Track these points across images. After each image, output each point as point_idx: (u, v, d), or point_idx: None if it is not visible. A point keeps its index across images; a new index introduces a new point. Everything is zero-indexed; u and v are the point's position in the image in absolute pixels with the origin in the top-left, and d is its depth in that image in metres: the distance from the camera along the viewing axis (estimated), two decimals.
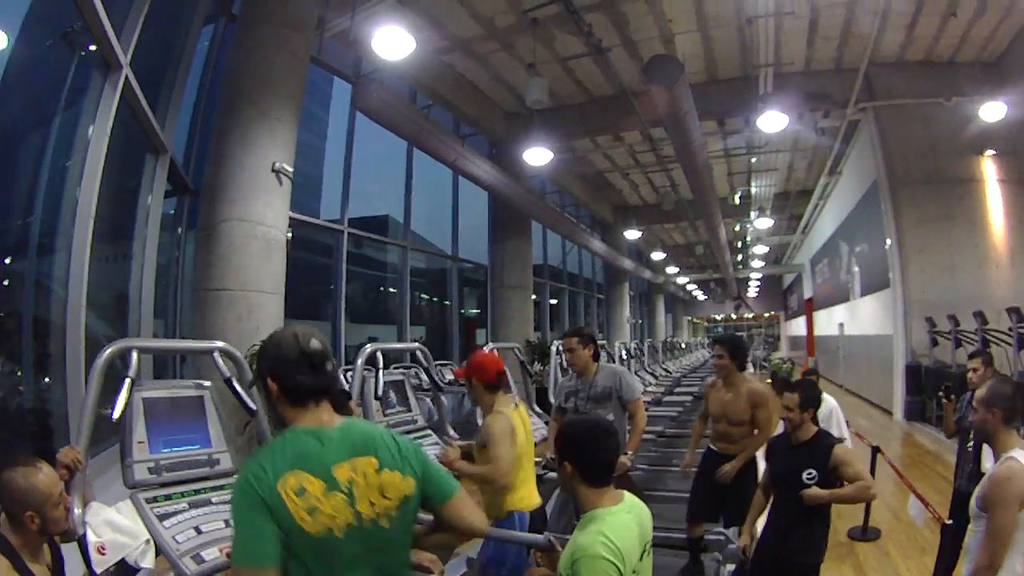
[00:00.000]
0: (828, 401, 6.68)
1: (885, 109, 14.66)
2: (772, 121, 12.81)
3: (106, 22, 5.44)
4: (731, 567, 5.33)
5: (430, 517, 2.32)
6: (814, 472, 4.03)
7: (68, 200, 5.63)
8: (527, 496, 4.11)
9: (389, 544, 2.09)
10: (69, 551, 2.66)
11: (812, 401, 4.24)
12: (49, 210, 5.80)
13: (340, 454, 2.03)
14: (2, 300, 5.95)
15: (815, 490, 3.98)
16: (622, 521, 2.44)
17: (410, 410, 5.45)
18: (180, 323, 8.61)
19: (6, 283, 6.09)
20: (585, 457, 2.51)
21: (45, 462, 2.45)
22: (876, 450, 7.14)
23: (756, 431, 5.40)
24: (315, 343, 2.12)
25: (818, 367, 28.15)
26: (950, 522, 4.65)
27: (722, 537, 5.60)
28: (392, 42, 8.75)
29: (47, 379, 5.70)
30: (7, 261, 6.00)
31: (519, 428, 4.10)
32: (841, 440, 5.08)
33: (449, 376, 11.24)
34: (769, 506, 4.48)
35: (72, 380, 5.22)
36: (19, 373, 5.74)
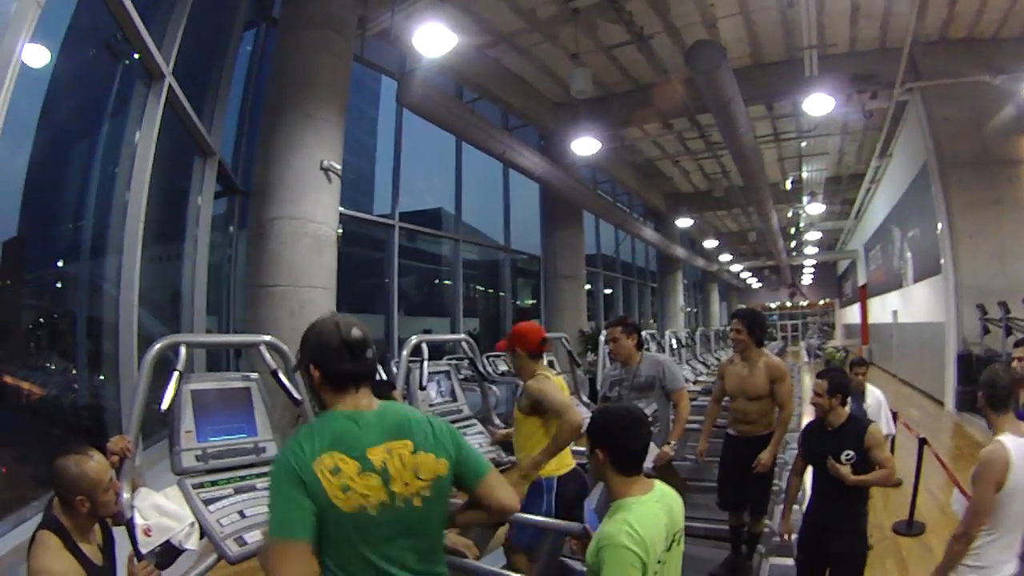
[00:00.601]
0: (874, 393, 6.77)
1: (931, 89, 14.22)
2: (819, 104, 12.66)
3: (145, 34, 5.61)
4: (777, 560, 5.31)
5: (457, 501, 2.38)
6: (852, 453, 4.13)
7: (118, 204, 5.81)
8: (561, 459, 4.16)
9: (422, 523, 2.16)
10: (118, 532, 2.79)
11: (840, 388, 4.32)
12: (100, 214, 5.98)
13: (376, 436, 2.11)
14: (56, 302, 6.18)
15: (843, 469, 4.09)
16: (650, 511, 2.45)
17: (455, 400, 5.49)
18: (233, 319, 8.83)
19: (59, 285, 6.29)
20: (616, 445, 2.52)
21: (96, 450, 2.58)
22: (923, 442, 6.85)
23: (777, 408, 5.30)
24: (356, 331, 2.19)
25: (872, 356, 27.77)
26: None
27: (766, 529, 5.57)
28: (433, 38, 8.80)
29: (101, 376, 5.89)
30: (60, 264, 6.21)
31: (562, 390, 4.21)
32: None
33: (503, 367, 11.29)
34: (811, 488, 4.54)
35: (125, 376, 5.39)
36: (74, 371, 5.95)
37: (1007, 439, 3.18)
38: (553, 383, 4.14)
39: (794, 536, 4.55)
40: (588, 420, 2.69)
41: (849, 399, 4.43)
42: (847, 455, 4.14)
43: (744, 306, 6.38)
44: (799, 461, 4.69)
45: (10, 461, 4.66)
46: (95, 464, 2.52)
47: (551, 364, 6.78)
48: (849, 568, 4.18)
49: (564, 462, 4.21)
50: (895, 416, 7.47)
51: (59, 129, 5.91)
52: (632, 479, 2.53)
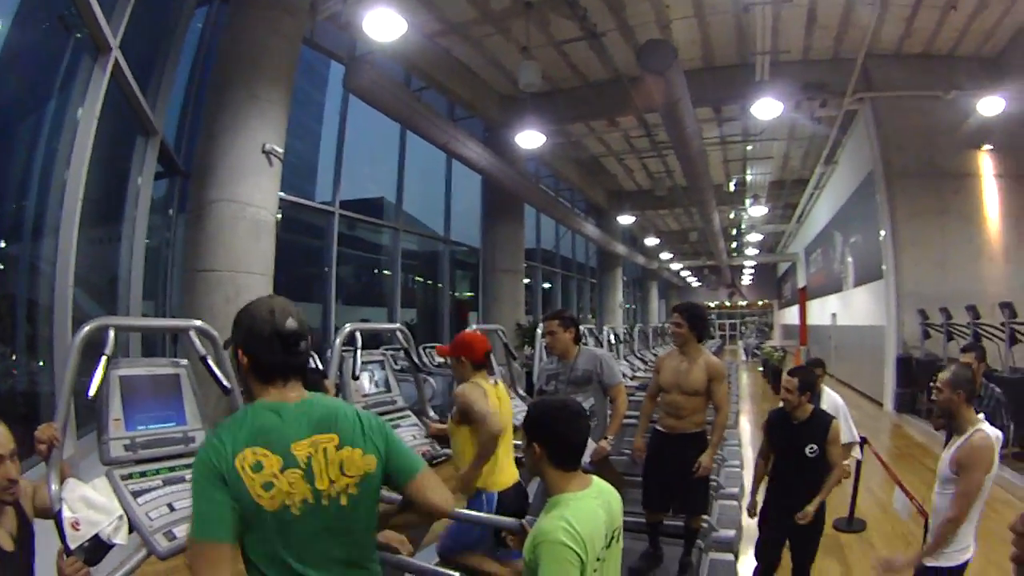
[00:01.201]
0: (831, 397, 6.52)
1: (882, 100, 14.61)
2: (767, 109, 12.96)
3: (95, 4, 5.45)
4: (717, 555, 5.37)
5: (398, 497, 2.33)
6: (815, 447, 4.53)
7: (58, 183, 5.66)
8: (498, 475, 4.14)
9: (350, 522, 2.07)
10: (45, 526, 2.73)
11: (809, 386, 4.69)
12: (43, 194, 5.83)
13: (300, 430, 2.02)
14: None
15: (807, 510, 4.45)
16: (588, 507, 2.38)
17: (390, 391, 5.45)
18: (170, 304, 8.66)
19: (0, 267, 6.12)
20: (554, 439, 2.45)
21: (3, 425, 2.49)
22: (863, 441, 6.98)
23: (716, 410, 5.28)
24: (291, 322, 2.09)
25: (809, 356, 28.26)
26: None
27: (704, 525, 5.61)
28: (383, 24, 8.77)
29: (41, 363, 5.75)
30: (2, 245, 6.03)
31: (494, 401, 4.16)
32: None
33: (440, 359, 11.25)
34: (771, 472, 4.88)
35: (60, 361, 5.23)
36: (13, 356, 5.79)
37: (987, 428, 3.45)
38: (481, 391, 4.10)
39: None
40: (523, 415, 2.66)
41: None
42: (811, 448, 4.53)
43: (684, 302, 6.20)
44: (764, 444, 5.02)
45: None
46: None
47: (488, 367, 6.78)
48: (809, 542, 4.60)
49: (506, 475, 4.20)
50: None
51: (6, 105, 5.76)
52: (570, 474, 2.46)
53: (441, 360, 11.08)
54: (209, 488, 1.90)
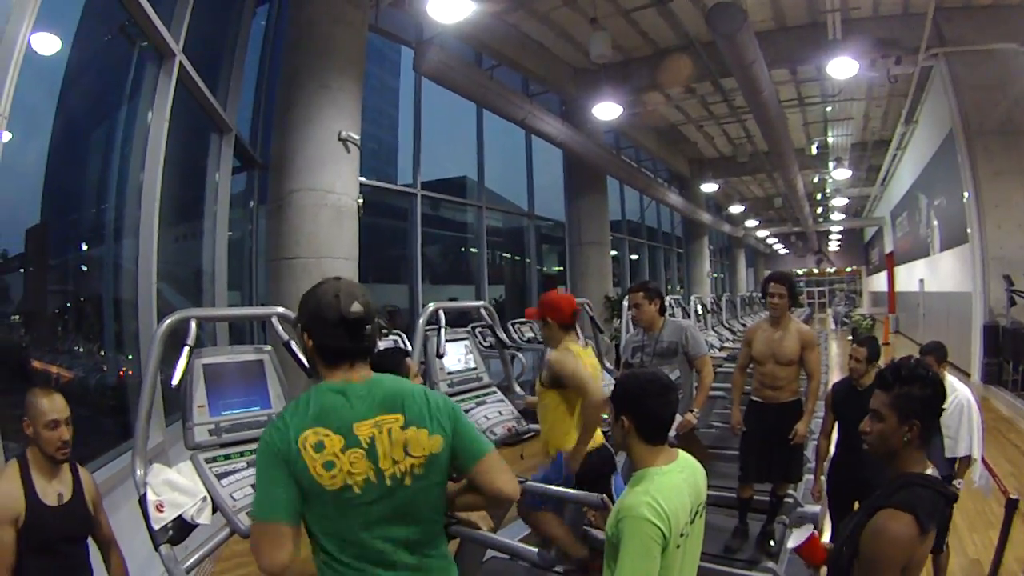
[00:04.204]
0: (959, 393, 5.03)
1: (957, 56, 14.01)
2: (842, 67, 12.69)
3: (152, 15, 5.62)
4: (800, 531, 5.26)
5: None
6: None
7: (135, 186, 5.85)
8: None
9: (414, 504, 2.08)
10: (132, 509, 2.85)
11: (875, 355, 4.74)
12: (121, 197, 6.03)
13: (365, 411, 2.04)
14: (81, 285, 6.23)
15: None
16: (672, 482, 2.35)
17: (475, 368, 5.44)
18: (256, 293, 8.87)
19: (84, 268, 6.34)
20: (643, 412, 2.42)
21: (59, 394, 2.93)
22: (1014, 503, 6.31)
23: (809, 377, 5.27)
24: (355, 307, 2.08)
25: (898, 325, 27.56)
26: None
27: (789, 500, 5.56)
28: (448, 5, 8.79)
29: (130, 356, 5.95)
30: (84, 247, 6.26)
31: (587, 364, 4.13)
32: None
33: (529, 334, 11.25)
34: (836, 445, 4.89)
35: (146, 355, 5.40)
36: (101, 353, 6.00)
37: None
38: (575, 358, 4.03)
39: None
40: (612, 387, 2.60)
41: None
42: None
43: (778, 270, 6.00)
44: (828, 423, 4.99)
45: None
46: (47, 401, 2.86)
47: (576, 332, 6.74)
48: None
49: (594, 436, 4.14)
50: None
51: (77, 115, 5.96)
52: (657, 448, 2.43)
53: (531, 335, 11.08)
54: (271, 470, 1.95)
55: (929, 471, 2.25)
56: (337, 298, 2.08)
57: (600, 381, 4.39)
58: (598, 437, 4.19)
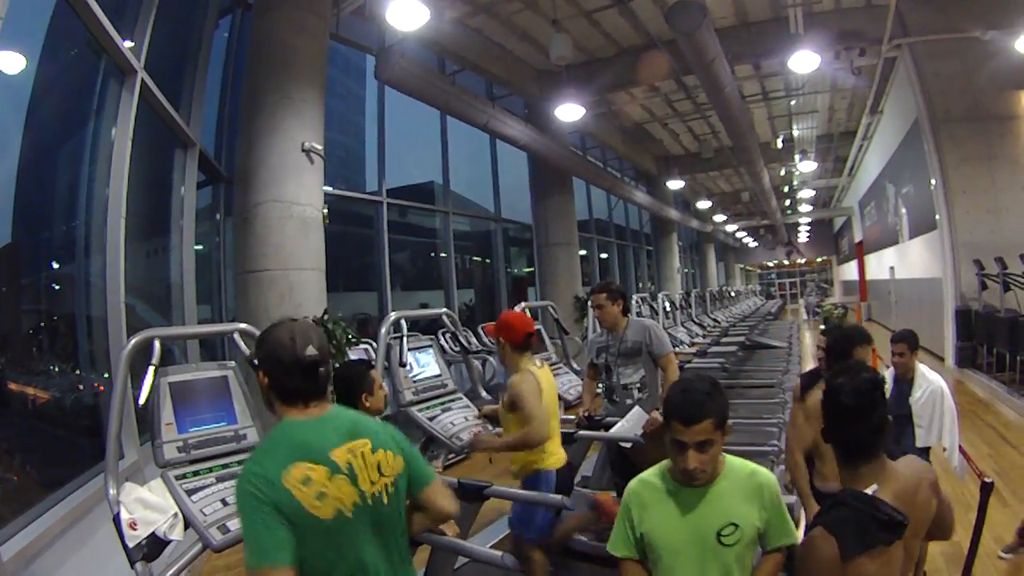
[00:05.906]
0: (932, 383, 4.85)
1: (920, 45, 14.21)
2: (805, 61, 12.69)
3: (112, 32, 5.65)
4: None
5: None
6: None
7: (100, 202, 5.87)
8: (549, 457, 4.16)
9: (390, 519, 2.21)
10: (107, 529, 2.93)
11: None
12: (90, 214, 6.02)
13: (335, 439, 2.12)
14: (54, 304, 6.24)
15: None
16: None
17: (439, 374, 5.45)
18: (226, 306, 8.89)
19: (57, 287, 6.35)
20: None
21: None
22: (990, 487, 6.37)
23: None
24: (310, 350, 2.16)
25: (871, 312, 27.89)
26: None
27: None
28: (407, 13, 8.78)
29: (106, 375, 5.97)
30: (56, 266, 6.26)
31: (545, 386, 4.16)
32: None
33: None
34: None
35: (113, 375, 5.45)
36: (76, 372, 6.02)
37: None
38: (533, 384, 4.05)
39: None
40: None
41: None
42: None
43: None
44: (796, 414, 5.07)
45: (17, 467, 4.74)
46: None
47: (539, 336, 6.79)
48: None
49: (556, 457, 4.23)
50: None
51: (45, 132, 5.96)
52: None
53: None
54: (260, 515, 1.96)
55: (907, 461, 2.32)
56: (293, 341, 2.17)
57: (555, 399, 4.48)
58: (563, 456, 4.29)
